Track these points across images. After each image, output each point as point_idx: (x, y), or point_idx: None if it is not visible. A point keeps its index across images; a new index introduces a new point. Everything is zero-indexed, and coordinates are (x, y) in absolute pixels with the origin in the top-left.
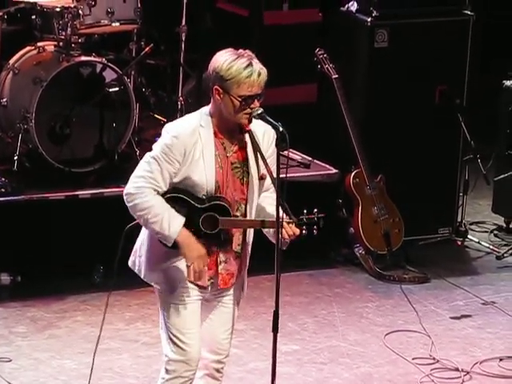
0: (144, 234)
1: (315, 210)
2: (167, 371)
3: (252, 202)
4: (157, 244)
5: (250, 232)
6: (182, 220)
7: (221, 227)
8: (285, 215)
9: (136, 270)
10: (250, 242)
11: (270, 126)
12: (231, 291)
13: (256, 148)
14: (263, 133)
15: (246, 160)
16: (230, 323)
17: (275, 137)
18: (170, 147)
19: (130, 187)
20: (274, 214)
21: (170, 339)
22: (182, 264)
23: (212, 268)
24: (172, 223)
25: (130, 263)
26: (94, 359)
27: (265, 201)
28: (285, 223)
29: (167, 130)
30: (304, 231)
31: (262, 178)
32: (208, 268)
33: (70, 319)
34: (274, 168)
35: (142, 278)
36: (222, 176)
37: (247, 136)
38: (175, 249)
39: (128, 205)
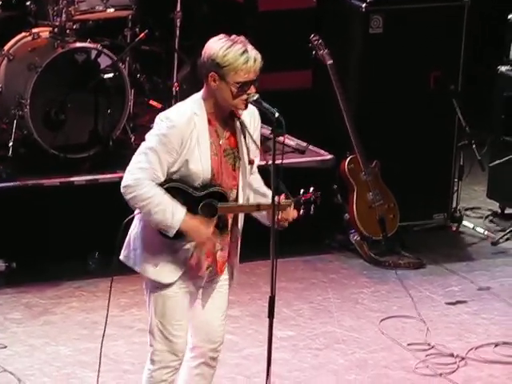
0: (137, 227)
1: (311, 189)
2: (153, 362)
3: (243, 187)
4: (153, 236)
5: (241, 217)
6: (183, 208)
7: (219, 214)
8: (282, 196)
9: (130, 264)
10: (241, 227)
11: (255, 109)
12: (225, 276)
13: (246, 133)
14: (249, 116)
15: (236, 146)
16: (224, 308)
17: (259, 119)
18: (168, 137)
19: (128, 179)
20: (269, 195)
21: (158, 330)
22: (178, 255)
23: (210, 256)
24: (175, 212)
25: (122, 258)
26: (102, 347)
27: (255, 183)
28: (283, 206)
29: (162, 120)
30: (302, 211)
31: (251, 163)
32: (206, 256)
33: (65, 305)
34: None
35: (138, 271)
36: (217, 163)
37: (237, 121)
38: (176, 238)
39: (127, 197)
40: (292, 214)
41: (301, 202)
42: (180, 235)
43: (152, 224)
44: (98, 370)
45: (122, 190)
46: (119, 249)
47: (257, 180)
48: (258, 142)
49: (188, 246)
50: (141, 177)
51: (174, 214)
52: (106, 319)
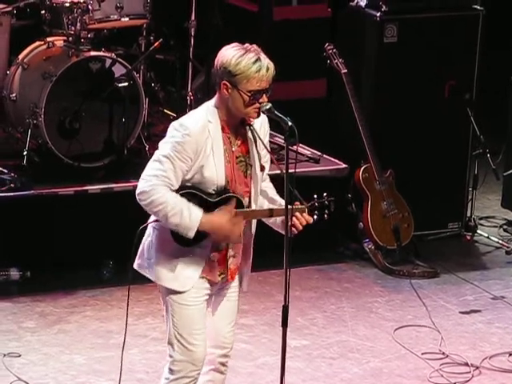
0: (151, 236)
1: (325, 194)
2: (172, 371)
3: (255, 193)
4: (167, 244)
5: (254, 224)
6: (199, 209)
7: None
8: (296, 203)
9: (145, 273)
10: (253, 234)
11: (264, 117)
12: (235, 283)
13: (257, 140)
14: (260, 124)
15: (247, 153)
16: (234, 315)
17: (268, 124)
18: (183, 145)
19: (143, 186)
20: (282, 202)
21: (177, 340)
22: (193, 262)
23: (222, 264)
24: (192, 212)
25: (136, 266)
26: (122, 357)
27: (269, 191)
28: (296, 214)
29: (176, 128)
30: (315, 216)
31: (262, 170)
32: (218, 264)
33: (79, 314)
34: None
35: (153, 279)
36: (231, 170)
37: (248, 129)
38: (191, 244)
39: (143, 203)
40: (307, 218)
41: (315, 207)
42: (196, 240)
43: (170, 227)
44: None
45: (137, 197)
46: (134, 257)
47: (269, 188)
48: (264, 149)
49: (204, 251)
50: (155, 183)
51: (191, 214)
52: (125, 328)
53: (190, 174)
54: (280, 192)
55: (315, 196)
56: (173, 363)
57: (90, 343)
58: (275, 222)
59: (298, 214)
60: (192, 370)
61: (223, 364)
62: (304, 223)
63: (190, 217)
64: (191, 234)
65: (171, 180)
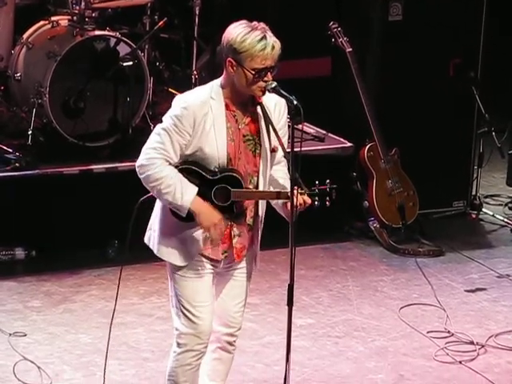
0: (157, 208)
1: (327, 181)
2: (179, 345)
3: (264, 174)
4: (170, 216)
5: (263, 204)
6: (194, 189)
7: (233, 199)
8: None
9: (150, 245)
10: (263, 215)
11: (281, 98)
12: (243, 264)
13: (267, 120)
14: (274, 104)
15: (258, 132)
16: (243, 296)
17: (286, 108)
18: (180, 118)
19: (141, 159)
20: (286, 187)
21: (182, 312)
22: (195, 236)
23: (226, 242)
24: (185, 192)
25: (145, 239)
26: (109, 334)
27: (276, 174)
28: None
29: (177, 102)
30: (316, 202)
31: (273, 151)
32: (222, 242)
33: (84, 293)
34: (285, 139)
35: (155, 252)
36: (234, 148)
37: (259, 108)
38: (189, 221)
39: (140, 176)
40: (305, 198)
41: (315, 192)
42: (193, 217)
43: (164, 204)
44: (106, 354)
45: (136, 170)
46: (138, 230)
47: (277, 171)
48: (285, 131)
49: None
50: (154, 156)
51: (183, 194)
52: (114, 306)
53: (190, 149)
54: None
55: (317, 182)
56: (179, 336)
57: (96, 322)
58: (278, 206)
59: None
60: (197, 344)
61: (230, 343)
62: (302, 203)
63: (182, 198)
64: (183, 214)
65: (169, 153)
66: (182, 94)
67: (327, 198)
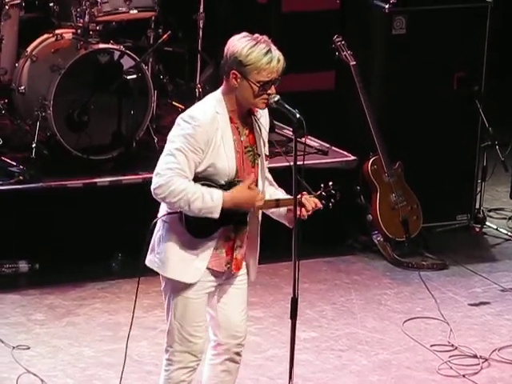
0: (161, 230)
1: (330, 183)
2: (172, 362)
3: (262, 183)
4: (177, 237)
5: (260, 213)
6: (218, 189)
7: (247, 210)
8: (304, 193)
9: (155, 267)
10: (259, 224)
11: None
12: (242, 271)
13: (261, 129)
14: (260, 115)
15: (254, 142)
16: (245, 303)
17: (268, 116)
18: (194, 136)
19: (158, 181)
20: (278, 193)
21: (179, 332)
22: (201, 253)
23: (229, 254)
24: (212, 193)
25: (147, 262)
26: (126, 349)
27: (267, 182)
28: (304, 199)
29: (186, 120)
30: (322, 205)
31: (266, 159)
32: (225, 254)
33: (88, 307)
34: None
35: (163, 273)
36: (240, 161)
37: (253, 118)
38: (203, 237)
39: (161, 196)
40: (315, 201)
41: (322, 196)
42: (212, 229)
43: (193, 213)
44: (122, 371)
45: (153, 192)
46: (146, 251)
47: (270, 179)
48: (266, 140)
49: (213, 242)
50: (171, 175)
51: (212, 195)
52: (131, 320)
53: (202, 166)
54: (288, 184)
55: (322, 185)
56: (173, 354)
57: (99, 336)
58: (279, 213)
59: (304, 199)
60: (192, 361)
61: (238, 354)
62: (313, 205)
63: (212, 198)
64: (216, 215)
65: (186, 172)
66: (186, 111)
67: (332, 200)
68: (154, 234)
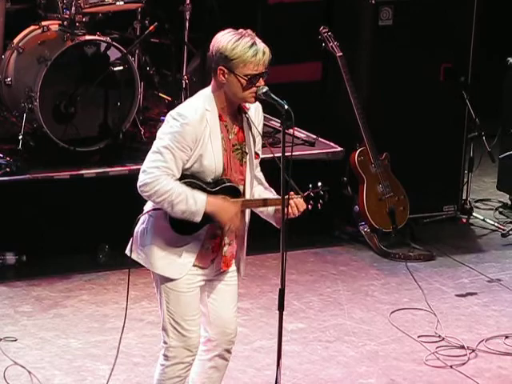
0: (146, 223)
1: (319, 184)
2: (167, 357)
3: (250, 182)
4: (163, 232)
5: (248, 212)
6: (203, 193)
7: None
8: (291, 194)
9: (139, 259)
10: (247, 222)
11: (258, 103)
12: (232, 268)
13: (252, 128)
14: (254, 110)
15: (243, 140)
16: (235, 300)
17: (262, 111)
18: (182, 134)
19: (145, 178)
20: (268, 192)
21: (172, 326)
22: (187, 250)
23: (216, 250)
24: (197, 197)
25: (133, 256)
26: (120, 340)
27: (258, 180)
28: (291, 200)
29: (175, 117)
30: (310, 206)
31: (256, 157)
32: (212, 251)
33: (75, 298)
34: (261, 143)
35: (147, 266)
36: (227, 158)
37: (245, 116)
38: (187, 234)
39: (146, 194)
40: (301, 204)
41: (310, 196)
42: (196, 229)
43: (176, 215)
44: (114, 363)
45: (139, 189)
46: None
47: (259, 178)
48: (259, 137)
49: (199, 238)
50: (158, 174)
51: (195, 199)
52: (125, 312)
53: (189, 162)
54: (276, 179)
55: (310, 185)
56: (168, 349)
57: (86, 327)
58: (268, 213)
59: (292, 202)
60: (187, 356)
61: (228, 351)
62: (296, 213)
63: (195, 202)
64: (198, 219)
65: (173, 170)
66: (175, 108)
67: (320, 201)
68: (137, 227)
